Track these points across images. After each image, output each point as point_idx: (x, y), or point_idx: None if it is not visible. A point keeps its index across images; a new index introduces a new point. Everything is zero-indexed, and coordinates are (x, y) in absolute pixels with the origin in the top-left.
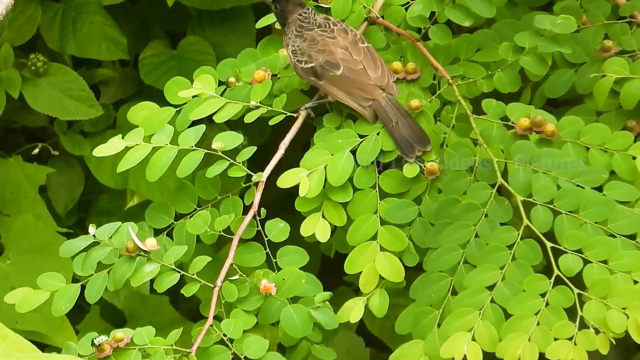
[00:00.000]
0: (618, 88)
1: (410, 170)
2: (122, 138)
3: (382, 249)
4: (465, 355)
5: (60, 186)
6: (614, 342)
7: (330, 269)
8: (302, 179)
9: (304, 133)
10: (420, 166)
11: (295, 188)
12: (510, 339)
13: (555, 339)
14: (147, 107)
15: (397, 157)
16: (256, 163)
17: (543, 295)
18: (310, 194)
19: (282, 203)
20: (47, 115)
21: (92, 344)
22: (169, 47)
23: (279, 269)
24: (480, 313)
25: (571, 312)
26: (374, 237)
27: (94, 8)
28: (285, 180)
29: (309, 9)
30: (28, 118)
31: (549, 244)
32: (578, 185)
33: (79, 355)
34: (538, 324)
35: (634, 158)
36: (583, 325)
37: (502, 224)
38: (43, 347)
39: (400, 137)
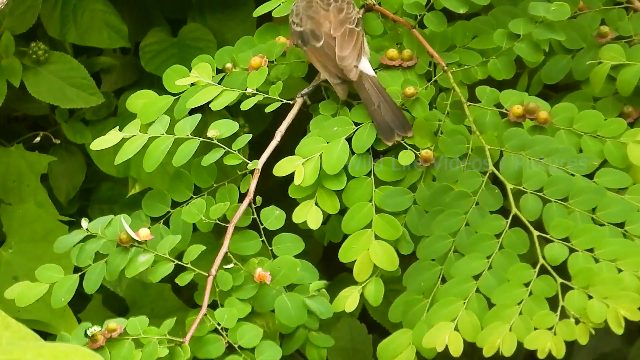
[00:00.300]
0: (615, 74)
1: (405, 157)
2: (120, 130)
3: (376, 237)
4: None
5: (61, 174)
6: (593, 332)
7: (334, 256)
8: (297, 167)
9: (306, 120)
10: (415, 153)
11: (293, 176)
12: (491, 329)
13: (535, 329)
14: (145, 95)
15: (393, 145)
16: (258, 150)
17: (527, 284)
18: (305, 182)
19: (281, 191)
20: (48, 103)
21: (85, 334)
22: (169, 35)
23: (275, 257)
24: (464, 303)
25: (554, 302)
26: (369, 226)
27: None
28: (280, 169)
29: None
30: (29, 106)
31: (535, 233)
32: (569, 173)
33: None
34: (520, 313)
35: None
36: (564, 315)
37: (492, 212)
38: (46, 335)
39: (381, 121)
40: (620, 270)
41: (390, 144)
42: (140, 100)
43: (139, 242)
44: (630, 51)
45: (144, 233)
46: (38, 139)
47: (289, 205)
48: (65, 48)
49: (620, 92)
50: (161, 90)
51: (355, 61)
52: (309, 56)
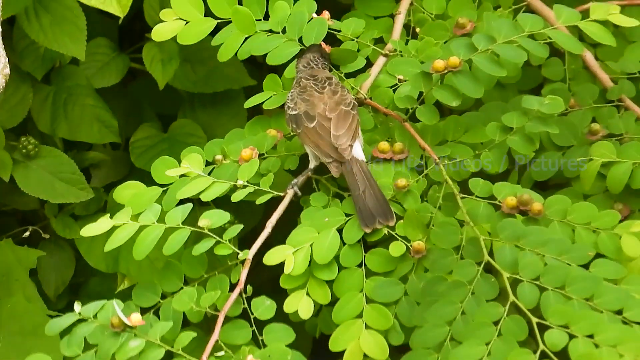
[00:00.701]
0: (605, 172)
1: (396, 249)
2: (110, 218)
3: (367, 327)
4: None
5: (50, 269)
6: None
7: (323, 349)
8: (288, 256)
9: (297, 211)
10: (406, 245)
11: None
12: None
13: None
14: (134, 186)
15: (384, 237)
16: (249, 240)
17: None
18: (296, 271)
19: (272, 285)
20: (37, 198)
21: None
22: (160, 130)
23: (265, 346)
24: None
25: None
26: (360, 315)
27: (85, 90)
28: (271, 258)
29: (320, 59)
30: (19, 201)
31: (534, 319)
32: (565, 263)
33: None
34: None
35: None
36: None
37: (488, 301)
38: None
39: (364, 206)
40: (621, 356)
41: (368, 230)
42: (129, 191)
43: (130, 327)
44: (621, 149)
45: (136, 318)
46: (27, 233)
47: (278, 299)
48: (55, 142)
49: (610, 190)
50: (151, 184)
51: (350, 140)
52: (302, 138)
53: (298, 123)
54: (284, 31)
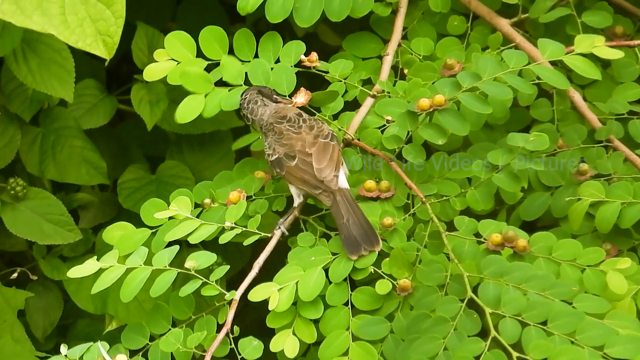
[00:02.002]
0: (593, 211)
1: (382, 287)
2: (98, 260)
3: None
4: None
5: (38, 310)
6: None
7: None
8: (273, 293)
9: (285, 251)
10: (392, 283)
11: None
12: None
13: None
14: (122, 227)
15: (370, 275)
16: (236, 284)
17: None
18: (280, 308)
19: (259, 326)
20: (26, 239)
21: None
22: (148, 172)
23: None
24: None
25: None
26: (346, 353)
27: (73, 132)
28: (256, 294)
29: (266, 97)
30: (6, 242)
31: (515, 354)
32: (548, 298)
33: None
34: None
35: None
36: None
37: (470, 336)
38: None
39: (348, 235)
40: None
41: (354, 258)
42: (117, 233)
43: None
44: (610, 189)
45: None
46: (15, 274)
47: (267, 337)
48: (44, 184)
49: (599, 230)
50: (139, 226)
51: (334, 171)
52: (287, 178)
53: (281, 166)
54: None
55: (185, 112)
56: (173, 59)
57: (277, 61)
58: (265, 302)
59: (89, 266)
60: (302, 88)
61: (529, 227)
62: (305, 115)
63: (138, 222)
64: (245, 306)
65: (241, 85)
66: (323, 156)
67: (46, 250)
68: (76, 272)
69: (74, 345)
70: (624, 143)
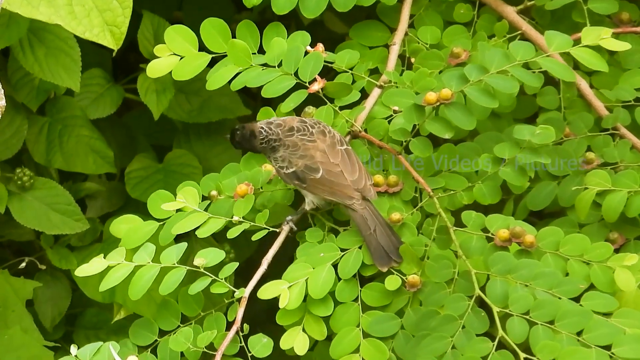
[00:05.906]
0: (600, 200)
1: (392, 283)
2: (105, 257)
3: None
4: None
5: (47, 300)
6: None
7: None
8: (283, 291)
9: (293, 245)
10: (402, 279)
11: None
12: None
13: None
14: (129, 220)
15: (379, 271)
16: (244, 276)
17: None
18: (290, 305)
19: (267, 315)
20: (33, 229)
21: None
22: (155, 161)
23: None
24: None
25: None
26: (357, 350)
27: (80, 121)
28: (266, 292)
29: (274, 121)
30: (14, 232)
31: (522, 355)
32: (555, 296)
33: None
34: None
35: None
36: None
37: (478, 335)
38: None
39: (377, 246)
40: None
41: (385, 269)
42: (125, 226)
43: None
44: (616, 177)
45: None
46: (23, 264)
47: (274, 330)
48: (51, 174)
49: (605, 219)
50: (146, 215)
51: (369, 180)
52: (311, 189)
53: (301, 178)
54: (279, 65)
55: (216, 79)
56: (176, 54)
57: None
58: None
59: (96, 264)
60: (316, 76)
61: (537, 214)
62: (308, 121)
63: (145, 211)
64: (253, 295)
65: (275, 67)
66: (351, 166)
67: (54, 240)
68: (84, 270)
69: (83, 334)
70: (631, 131)
